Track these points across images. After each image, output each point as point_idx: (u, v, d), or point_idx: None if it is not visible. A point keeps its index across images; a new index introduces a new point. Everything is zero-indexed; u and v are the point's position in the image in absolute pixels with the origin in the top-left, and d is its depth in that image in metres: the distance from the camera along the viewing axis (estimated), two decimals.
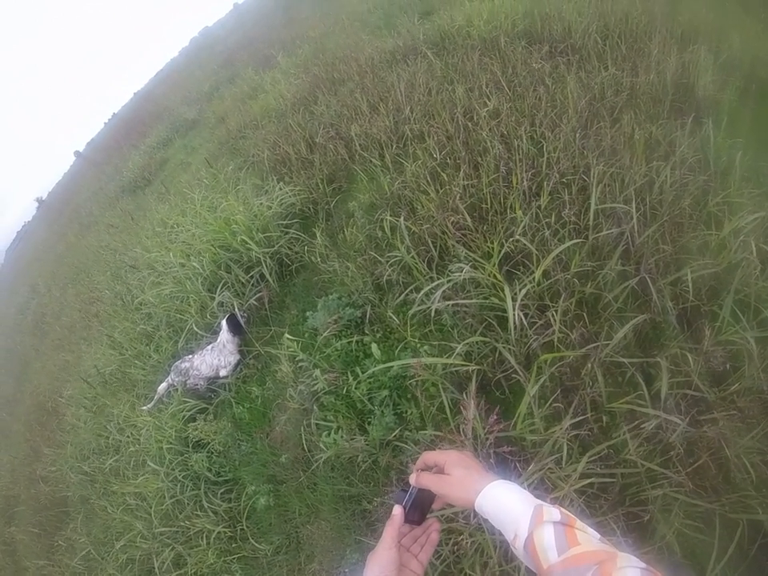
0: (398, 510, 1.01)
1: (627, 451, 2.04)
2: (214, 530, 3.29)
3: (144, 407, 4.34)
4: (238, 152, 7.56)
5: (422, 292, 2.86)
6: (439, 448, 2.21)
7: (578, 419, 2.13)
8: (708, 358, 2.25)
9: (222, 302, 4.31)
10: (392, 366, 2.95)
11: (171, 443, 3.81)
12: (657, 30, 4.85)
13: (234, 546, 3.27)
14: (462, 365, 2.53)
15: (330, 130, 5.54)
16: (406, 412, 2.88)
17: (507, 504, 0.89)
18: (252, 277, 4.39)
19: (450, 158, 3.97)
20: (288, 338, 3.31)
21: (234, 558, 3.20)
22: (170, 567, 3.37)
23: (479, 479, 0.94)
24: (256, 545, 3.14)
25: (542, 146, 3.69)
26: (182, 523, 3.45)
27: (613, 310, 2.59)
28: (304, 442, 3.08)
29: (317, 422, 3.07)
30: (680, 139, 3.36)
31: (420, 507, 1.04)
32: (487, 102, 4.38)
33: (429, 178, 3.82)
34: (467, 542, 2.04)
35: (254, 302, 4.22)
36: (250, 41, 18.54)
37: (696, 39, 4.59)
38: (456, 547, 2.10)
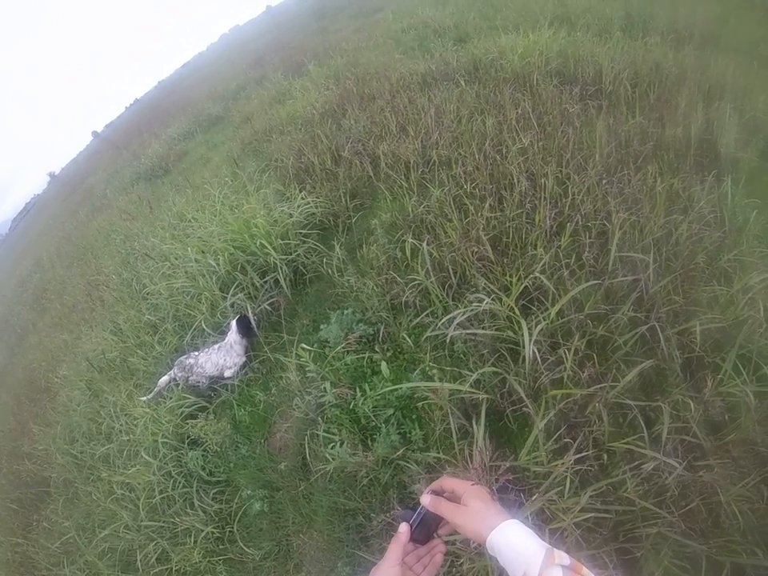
0: (404, 528, 1.03)
1: (625, 489, 2.12)
2: (202, 530, 3.28)
3: (143, 398, 4.32)
4: (261, 154, 7.60)
5: (443, 320, 2.89)
6: (450, 475, 2.23)
7: (580, 455, 2.19)
8: (707, 407, 2.35)
9: (233, 303, 4.32)
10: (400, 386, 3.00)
11: (167, 438, 3.80)
12: (686, 83, 4.95)
13: (221, 547, 3.26)
14: (473, 392, 2.57)
15: (357, 145, 5.59)
16: (410, 432, 2.90)
17: (520, 543, 0.90)
18: (266, 282, 4.39)
19: (476, 188, 4.02)
20: (303, 348, 3.33)
21: (219, 560, 3.19)
22: (153, 562, 3.35)
23: (495, 515, 0.96)
24: (244, 548, 3.13)
25: (567, 186, 3.74)
26: (170, 519, 3.44)
27: (621, 353, 2.67)
28: (307, 451, 3.08)
29: (320, 433, 3.08)
30: (699, 194, 3.45)
31: (427, 528, 1.06)
32: (516, 137, 4.44)
33: (453, 205, 3.87)
34: (465, 567, 2.06)
35: (267, 307, 4.22)
36: (282, 45, 18.72)
37: (722, 96, 4.71)
38: (454, 569, 2.12)
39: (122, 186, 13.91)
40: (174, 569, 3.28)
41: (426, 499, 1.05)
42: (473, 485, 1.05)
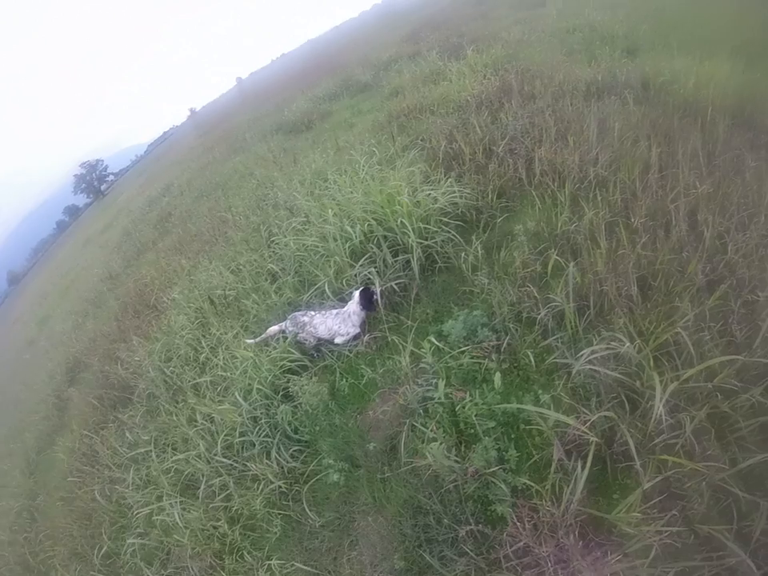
0: None
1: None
2: (272, 481, 3.40)
3: (249, 340, 4.47)
4: (407, 130, 7.58)
5: (580, 354, 2.77)
6: None
7: (671, 529, 2.16)
8: None
9: (360, 273, 4.34)
10: (510, 401, 2.99)
11: (262, 385, 3.93)
12: None
13: (283, 502, 3.36)
14: (586, 433, 2.48)
15: (512, 143, 5.42)
16: (506, 451, 2.82)
17: None
18: (397, 261, 4.37)
19: (631, 218, 3.80)
20: (430, 341, 3.30)
21: (279, 514, 3.30)
22: (215, 496, 3.54)
23: None
24: (307, 510, 3.20)
25: (725, 242, 3.45)
26: (243, 462, 3.59)
27: (739, 435, 2.51)
28: (402, 441, 3.05)
29: (422, 428, 3.05)
30: None
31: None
32: (682, 175, 4.11)
33: (605, 231, 3.68)
34: None
35: (394, 286, 4.20)
36: (438, 24, 18.54)
37: None
38: None
39: (262, 134, 14.46)
40: (233, 508, 3.46)
41: None
42: None
